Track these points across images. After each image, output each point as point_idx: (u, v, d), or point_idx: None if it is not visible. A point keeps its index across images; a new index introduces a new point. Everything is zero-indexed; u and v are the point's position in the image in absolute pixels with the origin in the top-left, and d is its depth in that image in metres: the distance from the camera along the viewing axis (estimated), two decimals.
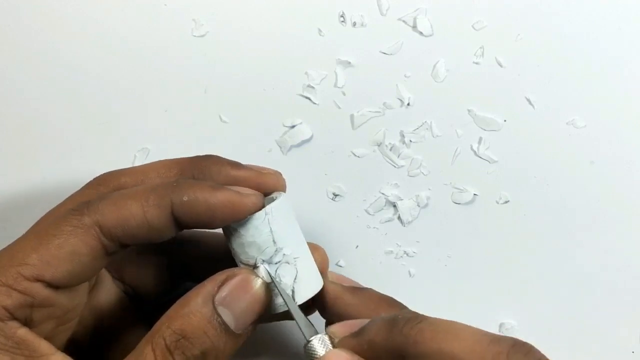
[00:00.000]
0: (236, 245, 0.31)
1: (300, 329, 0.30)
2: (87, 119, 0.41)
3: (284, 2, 0.40)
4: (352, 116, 0.41)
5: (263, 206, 0.31)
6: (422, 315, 0.28)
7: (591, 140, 0.41)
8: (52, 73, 0.40)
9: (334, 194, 0.41)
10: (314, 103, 0.41)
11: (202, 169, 0.32)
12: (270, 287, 0.31)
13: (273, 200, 0.32)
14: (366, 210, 0.41)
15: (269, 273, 0.31)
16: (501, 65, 0.41)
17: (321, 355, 0.29)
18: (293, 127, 0.41)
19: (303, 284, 0.31)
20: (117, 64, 0.41)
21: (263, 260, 0.31)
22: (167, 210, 0.29)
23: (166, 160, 0.34)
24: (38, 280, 0.28)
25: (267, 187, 0.32)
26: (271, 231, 0.31)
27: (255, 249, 0.31)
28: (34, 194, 0.41)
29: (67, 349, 0.31)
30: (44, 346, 0.28)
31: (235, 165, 0.33)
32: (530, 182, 0.41)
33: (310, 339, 0.29)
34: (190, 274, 0.36)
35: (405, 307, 0.32)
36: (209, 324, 0.28)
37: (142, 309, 0.36)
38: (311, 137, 0.41)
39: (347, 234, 0.42)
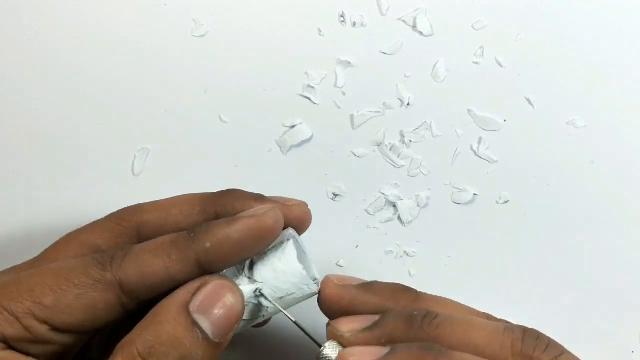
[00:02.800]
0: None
1: (311, 338, 0.30)
2: (87, 118, 0.41)
3: (284, 2, 0.40)
4: (352, 116, 0.41)
5: (282, 218, 0.30)
6: (435, 311, 0.29)
7: (591, 140, 0.41)
8: (52, 73, 0.40)
9: (334, 194, 0.41)
10: (314, 103, 0.41)
11: (225, 205, 0.32)
12: (243, 298, 0.30)
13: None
14: (366, 210, 0.41)
15: (250, 289, 0.30)
16: (501, 65, 0.41)
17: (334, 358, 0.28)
18: (293, 127, 0.41)
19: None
20: (117, 64, 0.41)
21: (247, 276, 0.30)
22: (192, 261, 0.29)
23: (188, 195, 0.33)
24: (46, 323, 0.28)
25: (293, 219, 0.32)
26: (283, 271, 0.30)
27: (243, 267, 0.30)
28: (33, 194, 0.41)
29: None
30: None
31: (259, 198, 0.32)
32: (530, 182, 0.41)
33: (323, 346, 0.29)
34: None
35: (417, 291, 0.32)
36: (186, 331, 0.28)
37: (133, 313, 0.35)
38: (311, 137, 0.41)
39: (347, 234, 0.41)
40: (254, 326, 0.32)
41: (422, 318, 0.28)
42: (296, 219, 0.32)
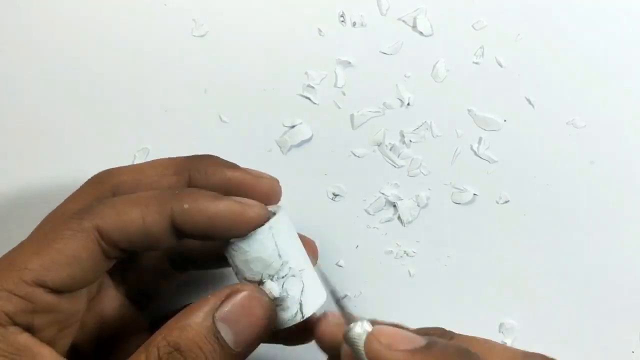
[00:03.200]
0: (240, 263, 0.30)
1: (342, 311, 0.28)
2: (87, 118, 0.41)
3: (284, 2, 0.40)
4: (352, 116, 0.41)
5: (267, 219, 0.30)
6: (453, 332, 0.28)
7: (591, 140, 0.41)
8: (52, 73, 0.40)
9: (334, 194, 0.41)
10: (314, 103, 0.41)
11: (199, 168, 0.32)
12: (277, 302, 0.30)
13: (273, 213, 0.31)
14: (366, 210, 0.41)
15: (277, 287, 0.30)
16: (501, 65, 0.41)
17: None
18: (293, 127, 0.41)
19: (310, 295, 0.31)
20: (117, 64, 0.41)
21: (269, 275, 0.30)
22: (167, 217, 0.29)
23: (164, 159, 0.33)
24: (39, 285, 0.28)
25: (261, 192, 0.32)
26: (276, 245, 0.30)
27: (260, 264, 0.30)
28: (33, 193, 0.41)
29: (69, 355, 0.31)
30: (46, 352, 0.28)
31: (232, 166, 0.33)
32: (530, 182, 0.41)
33: (353, 323, 0.27)
34: (192, 264, 0.36)
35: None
36: (206, 338, 0.28)
37: (146, 314, 0.35)
38: (311, 137, 0.41)
39: (347, 234, 0.41)
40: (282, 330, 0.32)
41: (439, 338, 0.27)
42: (265, 192, 0.32)
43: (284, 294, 0.30)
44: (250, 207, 0.30)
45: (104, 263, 0.30)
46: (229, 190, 0.32)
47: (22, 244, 0.29)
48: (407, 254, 0.42)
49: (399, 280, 0.42)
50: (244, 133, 0.41)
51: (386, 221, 0.41)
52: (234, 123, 0.41)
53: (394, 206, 0.41)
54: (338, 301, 0.29)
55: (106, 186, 0.32)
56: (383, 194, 0.41)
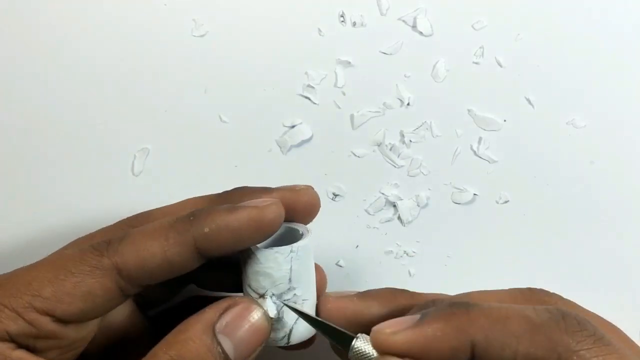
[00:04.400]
0: (250, 272, 0.30)
1: (337, 335, 0.29)
2: (87, 118, 0.41)
3: (284, 2, 0.40)
4: (352, 116, 0.41)
5: (283, 213, 0.30)
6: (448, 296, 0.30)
7: (591, 140, 0.41)
8: (52, 73, 0.40)
9: (334, 194, 0.41)
10: (314, 103, 0.41)
11: (233, 201, 0.31)
12: (271, 321, 0.30)
13: (297, 232, 0.31)
14: (366, 210, 0.41)
15: (274, 306, 0.30)
16: (501, 65, 0.41)
17: (374, 354, 0.28)
18: (293, 127, 0.41)
19: (302, 326, 0.31)
20: (116, 64, 0.40)
21: (272, 294, 0.30)
22: (190, 246, 0.29)
23: (196, 197, 0.33)
24: (47, 314, 0.28)
25: (303, 205, 0.32)
26: (290, 269, 0.30)
27: (268, 281, 0.30)
28: (33, 194, 0.41)
29: None
30: None
31: (266, 191, 0.32)
32: (530, 182, 0.41)
33: (353, 342, 0.28)
34: (192, 278, 0.36)
35: (408, 290, 0.32)
36: (208, 352, 0.27)
37: (152, 323, 0.35)
38: (311, 137, 0.41)
39: (347, 234, 0.41)
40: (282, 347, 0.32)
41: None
42: (305, 203, 0.32)
43: (279, 316, 0.30)
44: (268, 207, 0.29)
45: (119, 299, 0.29)
46: None
47: (39, 266, 0.29)
48: (407, 254, 0.42)
49: (399, 280, 0.42)
50: (244, 133, 0.41)
51: (386, 221, 0.41)
52: (234, 123, 0.41)
53: (394, 206, 0.41)
54: (333, 326, 0.30)
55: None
56: (383, 194, 0.41)
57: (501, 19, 0.40)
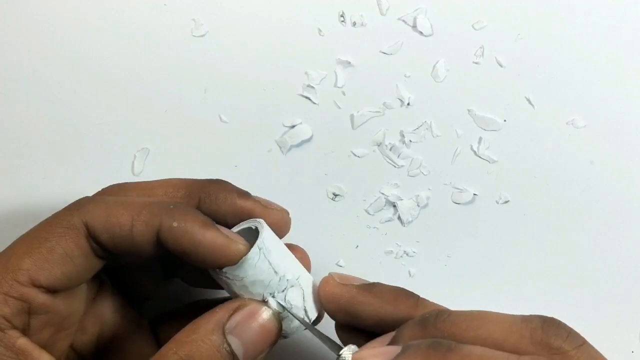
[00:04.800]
0: (238, 289, 0.30)
1: (327, 345, 0.30)
2: (87, 118, 0.41)
3: (284, 2, 0.40)
4: (352, 116, 0.41)
5: (246, 251, 0.30)
6: (448, 309, 0.28)
7: (591, 140, 0.41)
8: (51, 73, 0.40)
9: (334, 194, 0.41)
10: (314, 103, 0.41)
11: (210, 193, 0.32)
12: (282, 315, 0.30)
13: (255, 229, 0.31)
14: (366, 210, 0.41)
15: (279, 303, 0.30)
16: (501, 65, 0.41)
17: None
18: (293, 127, 0.41)
19: (312, 299, 0.31)
20: (116, 64, 0.40)
21: (270, 294, 0.30)
22: (154, 230, 0.29)
23: (175, 179, 0.33)
24: (34, 285, 0.28)
25: (270, 223, 0.32)
26: (270, 264, 0.30)
27: (260, 286, 0.30)
28: (33, 193, 0.41)
29: (69, 358, 0.31)
30: (44, 357, 0.28)
31: (243, 194, 0.32)
32: (530, 182, 0.41)
33: (341, 352, 0.28)
34: (177, 273, 0.36)
35: (419, 296, 0.31)
36: (218, 352, 0.28)
37: (145, 313, 0.35)
38: (311, 137, 0.41)
39: (347, 234, 0.41)
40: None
41: (434, 318, 0.27)
42: (274, 223, 0.32)
43: (288, 305, 0.30)
44: (234, 244, 0.29)
45: (96, 261, 0.30)
46: (237, 218, 0.32)
47: (14, 244, 0.29)
48: (407, 254, 0.42)
49: (399, 280, 0.41)
50: (244, 133, 0.41)
51: (386, 221, 0.41)
52: (234, 123, 0.41)
53: (394, 206, 0.41)
54: (321, 335, 0.30)
55: None
56: (383, 194, 0.41)
57: (501, 19, 0.40)
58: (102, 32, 0.40)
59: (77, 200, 0.30)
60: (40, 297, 0.28)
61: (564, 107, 0.41)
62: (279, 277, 0.30)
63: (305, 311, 0.31)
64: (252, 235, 0.31)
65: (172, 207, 0.29)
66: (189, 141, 0.41)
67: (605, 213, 0.41)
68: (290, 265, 0.31)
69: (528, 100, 0.41)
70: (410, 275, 0.42)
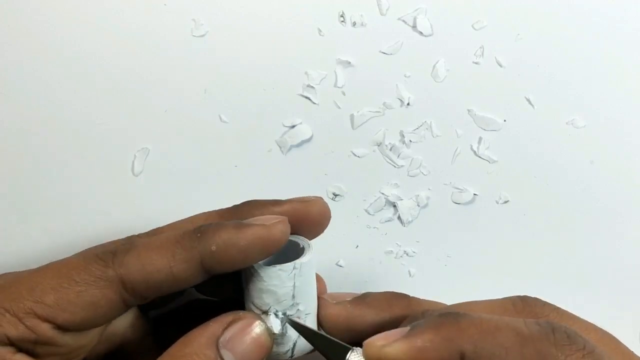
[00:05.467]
0: (253, 289, 0.30)
1: (333, 349, 0.29)
2: (87, 118, 0.41)
3: (284, 2, 0.40)
4: (352, 116, 0.41)
5: (289, 230, 0.30)
6: (441, 305, 0.30)
7: (591, 140, 0.41)
8: (51, 73, 0.40)
9: (334, 194, 0.41)
10: (314, 103, 0.41)
11: (244, 214, 0.31)
12: (273, 337, 0.30)
13: (297, 245, 0.31)
14: (366, 210, 0.41)
15: (278, 323, 0.30)
16: (501, 65, 0.41)
17: None
18: (293, 127, 0.41)
19: (304, 342, 0.31)
20: (116, 64, 0.40)
21: (276, 310, 0.30)
22: (196, 263, 0.28)
23: (205, 212, 0.33)
24: (49, 321, 0.28)
25: (315, 216, 0.31)
26: (294, 286, 0.30)
27: (272, 298, 0.30)
28: (33, 194, 0.41)
29: None
30: None
31: (276, 202, 0.32)
32: (530, 182, 0.41)
33: (347, 355, 0.28)
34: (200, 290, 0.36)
35: (409, 295, 0.32)
36: None
37: (153, 325, 0.35)
38: (311, 137, 0.41)
39: (347, 234, 0.41)
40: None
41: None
42: (316, 215, 0.32)
43: (283, 331, 0.30)
44: (275, 226, 0.29)
45: (122, 310, 0.29)
46: None
47: (44, 272, 0.29)
48: (407, 254, 0.42)
49: (399, 280, 0.42)
50: (244, 133, 0.41)
51: (386, 221, 0.41)
52: (234, 123, 0.41)
53: (394, 206, 0.41)
54: (326, 338, 0.30)
55: None
56: (383, 194, 0.41)
57: (501, 19, 0.40)
58: (102, 32, 0.40)
59: (110, 249, 0.29)
60: (50, 333, 0.28)
61: (564, 107, 0.41)
62: (293, 303, 0.30)
63: (294, 346, 0.30)
64: (294, 252, 0.31)
65: (199, 234, 0.29)
66: (189, 141, 0.41)
67: (605, 213, 0.41)
68: (308, 299, 0.31)
69: (528, 100, 0.41)
70: (410, 275, 0.42)
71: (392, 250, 0.42)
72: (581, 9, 0.40)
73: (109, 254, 0.29)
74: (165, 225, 0.33)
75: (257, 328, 0.29)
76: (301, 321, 0.30)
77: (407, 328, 0.27)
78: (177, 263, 0.28)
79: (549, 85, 0.41)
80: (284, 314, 0.30)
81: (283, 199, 0.32)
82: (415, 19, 0.40)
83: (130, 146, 0.41)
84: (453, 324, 0.26)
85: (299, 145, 0.41)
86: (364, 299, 0.31)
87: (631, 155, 0.41)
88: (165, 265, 0.28)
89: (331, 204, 0.41)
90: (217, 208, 0.33)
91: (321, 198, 0.33)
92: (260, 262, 0.30)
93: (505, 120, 0.41)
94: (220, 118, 0.41)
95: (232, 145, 0.41)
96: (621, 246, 0.41)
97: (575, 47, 0.41)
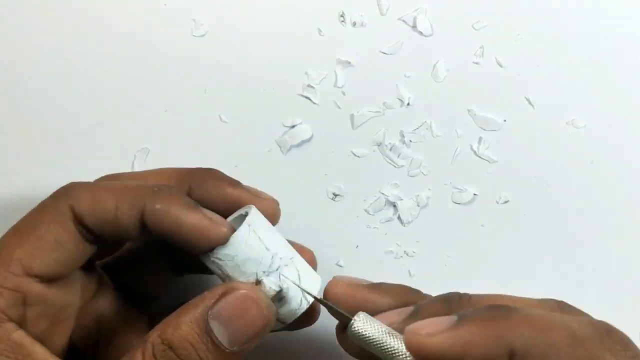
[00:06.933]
0: (230, 269, 0.30)
1: (338, 313, 0.29)
2: (87, 118, 0.41)
3: (284, 2, 0.40)
4: (352, 116, 0.41)
5: (228, 238, 0.30)
6: (468, 294, 0.30)
7: (591, 140, 0.41)
8: (51, 73, 0.40)
9: (334, 194, 0.41)
10: (314, 103, 0.41)
11: (201, 181, 0.32)
12: (279, 296, 0.30)
13: (243, 215, 0.31)
14: (366, 210, 0.41)
15: (274, 282, 0.30)
16: (501, 65, 0.41)
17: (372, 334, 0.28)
18: (293, 127, 0.41)
19: (308, 279, 0.31)
20: (116, 64, 0.41)
21: (263, 272, 0.30)
22: (138, 212, 0.29)
23: (167, 168, 0.33)
24: (27, 274, 0.28)
25: (260, 211, 0.32)
26: (260, 240, 0.30)
27: (252, 264, 0.30)
28: (32, 194, 0.41)
29: (67, 354, 0.31)
30: (39, 350, 0.28)
31: (233, 183, 0.33)
32: (530, 182, 0.41)
33: (353, 319, 0.28)
34: (190, 267, 0.36)
35: (421, 292, 0.33)
36: (198, 336, 0.28)
37: (145, 313, 0.35)
38: (311, 137, 0.41)
39: (347, 234, 0.41)
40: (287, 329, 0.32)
41: (458, 298, 0.29)
42: (263, 213, 0.32)
43: (284, 285, 0.30)
44: (217, 226, 0.30)
45: (87, 246, 0.30)
46: (226, 207, 0.32)
47: (3, 237, 0.29)
48: (407, 254, 0.42)
49: (399, 280, 0.41)
50: (244, 133, 0.41)
51: (386, 221, 0.41)
52: (234, 123, 0.41)
53: (394, 206, 0.41)
54: (327, 305, 0.30)
55: None
56: (383, 194, 0.41)
57: (501, 19, 0.40)
58: (102, 32, 0.40)
59: (63, 186, 0.30)
60: (35, 287, 0.28)
61: (564, 107, 0.41)
62: (271, 255, 0.30)
63: (303, 291, 0.30)
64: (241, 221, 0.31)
65: (156, 189, 0.30)
66: (189, 141, 0.41)
67: (605, 213, 0.41)
68: (282, 245, 0.31)
69: (528, 100, 0.41)
70: (410, 275, 0.42)
71: (392, 250, 0.42)
72: (581, 9, 0.40)
73: (61, 189, 0.30)
74: (127, 172, 0.34)
75: (254, 297, 0.29)
76: (292, 269, 0.30)
77: (454, 317, 0.26)
78: (123, 206, 0.29)
79: (549, 85, 0.41)
80: (271, 269, 0.30)
81: (242, 184, 0.33)
82: (415, 19, 0.40)
83: (130, 146, 0.41)
84: (504, 319, 0.25)
85: (299, 145, 0.41)
86: (380, 286, 0.32)
87: (631, 155, 0.41)
88: (112, 204, 0.29)
89: (331, 204, 0.41)
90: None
91: (276, 201, 0.33)
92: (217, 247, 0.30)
93: (505, 120, 0.41)
94: (220, 118, 0.41)
95: (232, 145, 0.41)
96: (621, 246, 0.41)
97: (575, 47, 0.41)
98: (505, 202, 0.41)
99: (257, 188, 0.34)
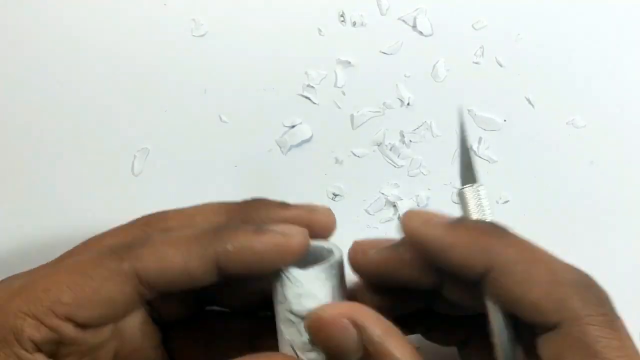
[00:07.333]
0: (291, 295, 0.29)
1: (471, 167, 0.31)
2: (87, 118, 0.41)
3: (284, 2, 0.40)
4: (352, 116, 0.41)
5: (308, 242, 0.29)
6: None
7: (591, 140, 0.41)
8: (51, 72, 0.40)
9: (334, 194, 0.41)
10: (314, 103, 0.41)
11: (251, 212, 0.31)
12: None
13: (324, 249, 0.30)
14: (366, 210, 0.41)
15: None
16: (501, 65, 0.41)
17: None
18: (293, 127, 0.41)
19: None
20: (116, 64, 0.40)
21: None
22: (211, 261, 0.28)
23: (214, 203, 0.32)
24: (68, 320, 0.28)
25: (318, 225, 0.31)
26: (332, 287, 0.29)
27: (312, 301, 0.29)
28: (32, 194, 0.41)
29: None
30: None
31: (284, 206, 0.32)
32: (530, 182, 0.41)
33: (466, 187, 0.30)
34: (214, 300, 0.35)
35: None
36: None
37: (166, 334, 0.35)
38: (311, 137, 0.41)
39: (347, 234, 0.41)
40: None
41: None
42: (321, 224, 0.31)
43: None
44: (293, 237, 0.29)
45: (137, 303, 0.29)
46: None
47: (57, 271, 0.29)
48: None
49: None
50: (244, 133, 0.41)
51: (386, 221, 0.41)
52: (234, 123, 0.41)
53: (394, 206, 0.41)
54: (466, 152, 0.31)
55: (154, 230, 0.31)
56: (383, 194, 0.41)
57: (501, 19, 0.40)
58: (102, 32, 0.40)
59: (126, 243, 0.29)
60: (72, 332, 0.28)
61: (564, 107, 0.41)
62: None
63: None
64: (314, 256, 0.30)
65: (217, 231, 0.29)
66: (189, 141, 0.41)
67: (605, 213, 0.41)
68: (343, 298, 0.30)
69: (528, 100, 0.41)
70: None
71: None
72: (581, 9, 0.40)
73: (125, 247, 0.28)
74: (172, 210, 0.32)
75: None
76: None
77: (454, 218, 0.27)
78: (192, 259, 0.28)
79: (549, 85, 0.41)
80: None
81: (290, 202, 0.32)
82: (415, 19, 0.40)
83: (130, 146, 0.41)
84: (498, 237, 0.27)
85: (299, 145, 0.41)
86: (462, 222, 0.30)
87: (631, 155, 0.41)
88: (181, 260, 0.28)
89: (331, 204, 0.41)
90: None
91: (328, 208, 0.32)
92: (291, 268, 0.29)
93: (505, 120, 0.41)
94: (220, 118, 0.41)
95: (232, 145, 0.41)
96: (621, 246, 0.41)
97: (575, 47, 0.41)
98: (505, 202, 0.41)
99: (309, 203, 0.32)
